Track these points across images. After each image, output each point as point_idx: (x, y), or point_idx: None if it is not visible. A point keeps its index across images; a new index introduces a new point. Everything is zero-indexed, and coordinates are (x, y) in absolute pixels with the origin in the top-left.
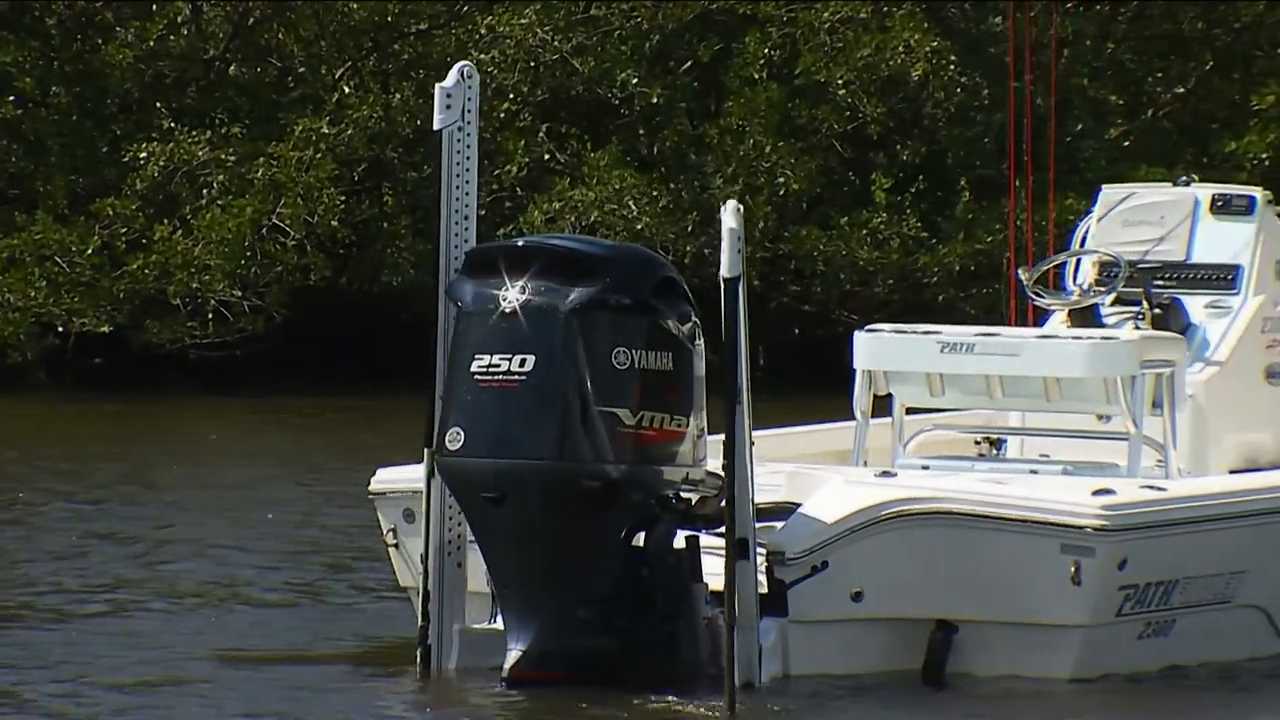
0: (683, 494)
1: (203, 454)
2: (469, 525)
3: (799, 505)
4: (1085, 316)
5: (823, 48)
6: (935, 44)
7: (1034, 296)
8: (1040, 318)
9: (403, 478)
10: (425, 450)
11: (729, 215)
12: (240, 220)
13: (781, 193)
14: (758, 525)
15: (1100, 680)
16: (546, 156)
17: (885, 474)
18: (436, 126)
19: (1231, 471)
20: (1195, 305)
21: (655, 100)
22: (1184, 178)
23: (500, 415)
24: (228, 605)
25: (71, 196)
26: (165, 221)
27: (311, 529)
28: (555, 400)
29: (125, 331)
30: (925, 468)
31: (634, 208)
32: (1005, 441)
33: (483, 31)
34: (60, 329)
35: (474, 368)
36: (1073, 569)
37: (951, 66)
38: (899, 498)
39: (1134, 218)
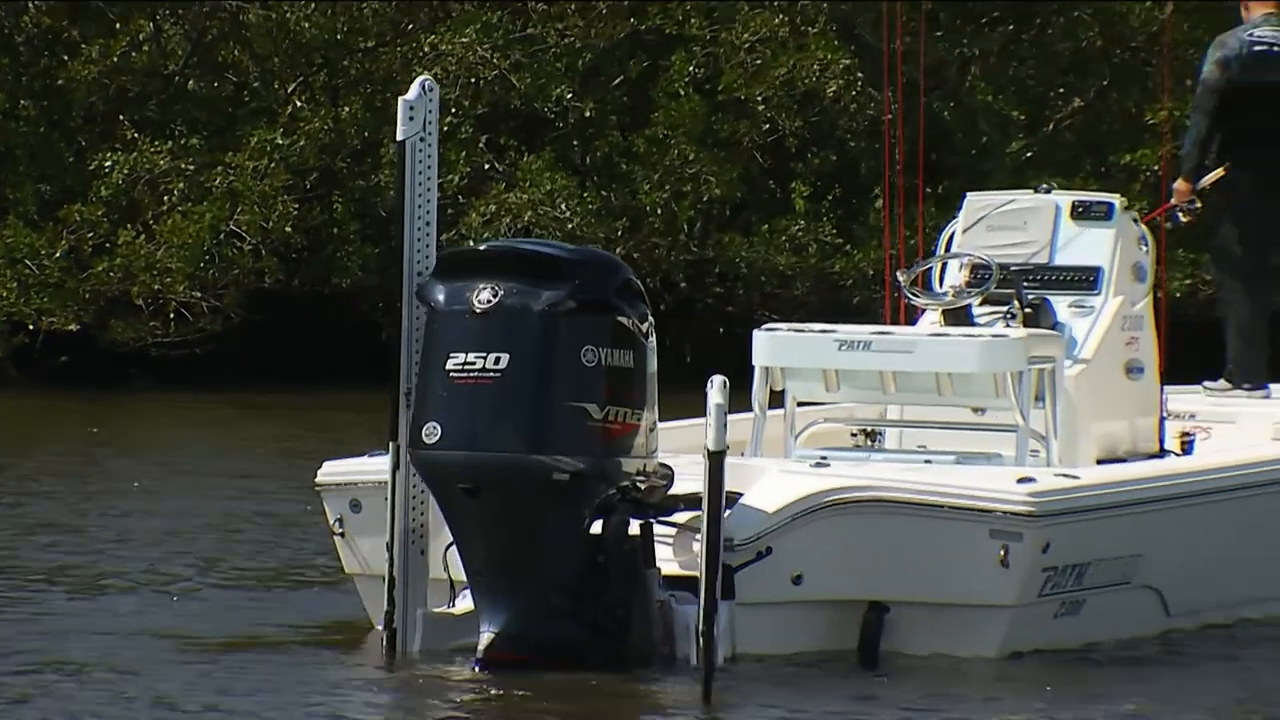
0: (637, 484)
1: (160, 445)
2: (444, 516)
3: (739, 494)
4: (958, 316)
5: (743, 65)
6: (848, 62)
7: (911, 297)
8: (913, 317)
9: (348, 470)
10: (390, 444)
11: (715, 391)
12: (199, 226)
13: (705, 199)
14: (699, 513)
15: (1017, 656)
16: (486, 166)
17: (819, 464)
18: (400, 137)
19: (1099, 461)
20: (1060, 305)
21: (588, 113)
22: (1044, 186)
23: (476, 410)
24: (176, 592)
25: (40, 203)
26: (129, 227)
27: (259, 518)
28: (529, 396)
29: (91, 330)
30: (824, 458)
31: (565, 210)
32: (883, 434)
33: (426, 49)
34: (30, 327)
35: (449, 365)
36: (1002, 552)
37: (862, 83)
38: (837, 486)
39: (998, 223)
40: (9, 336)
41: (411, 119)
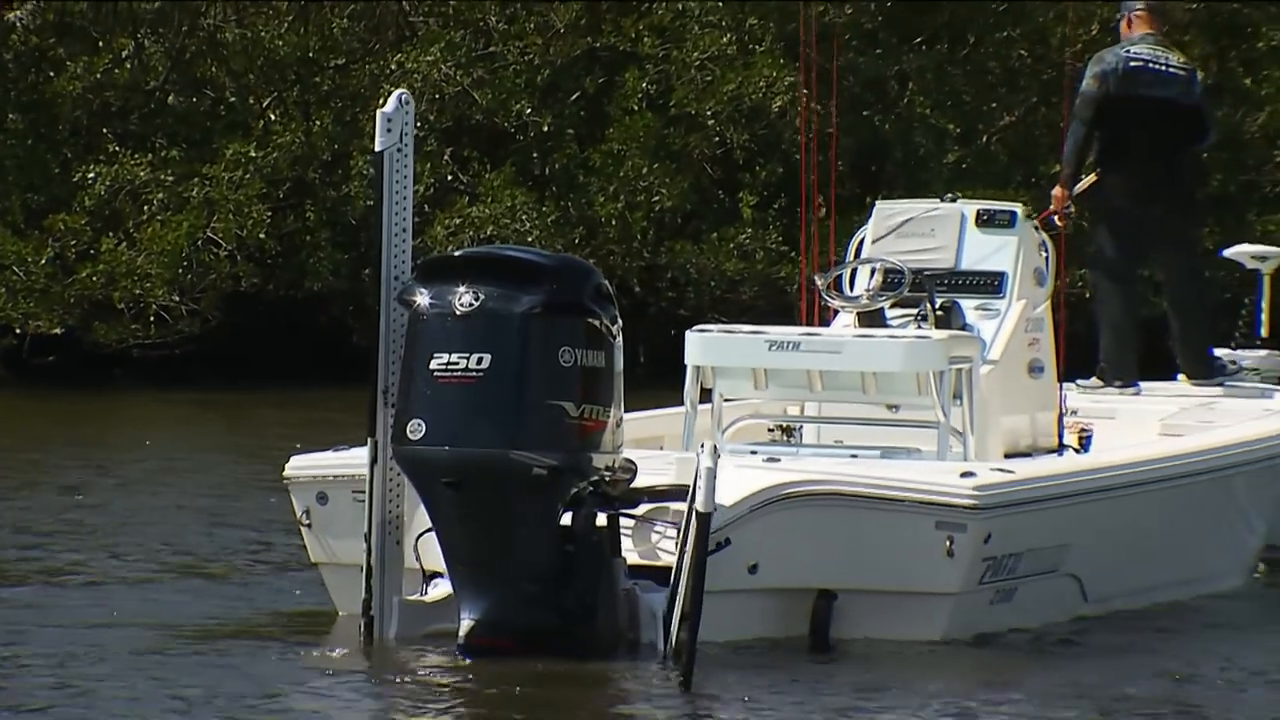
0: (605, 478)
1: (138, 440)
2: (426, 509)
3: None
4: (872, 318)
5: (693, 82)
6: (792, 79)
7: (828, 299)
8: (827, 319)
9: (315, 464)
10: (369, 440)
11: (705, 456)
12: (178, 234)
13: (658, 209)
14: (660, 505)
15: (957, 642)
16: (450, 178)
17: (771, 460)
18: (378, 148)
19: (1005, 455)
20: (967, 308)
21: (546, 128)
22: (950, 195)
23: (459, 408)
24: (146, 582)
25: (27, 212)
26: (111, 235)
27: (230, 510)
28: (510, 395)
29: (76, 333)
30: (754, 452)
31: (525, 222)
32: (801, 430)
33: (393, 67)
34: (18, 330)
35: (433, 365)
36: (948, 543)
37: (805, 98)
38: (791, 480)
39: (907, 230)
40: None
41: (389, 130)
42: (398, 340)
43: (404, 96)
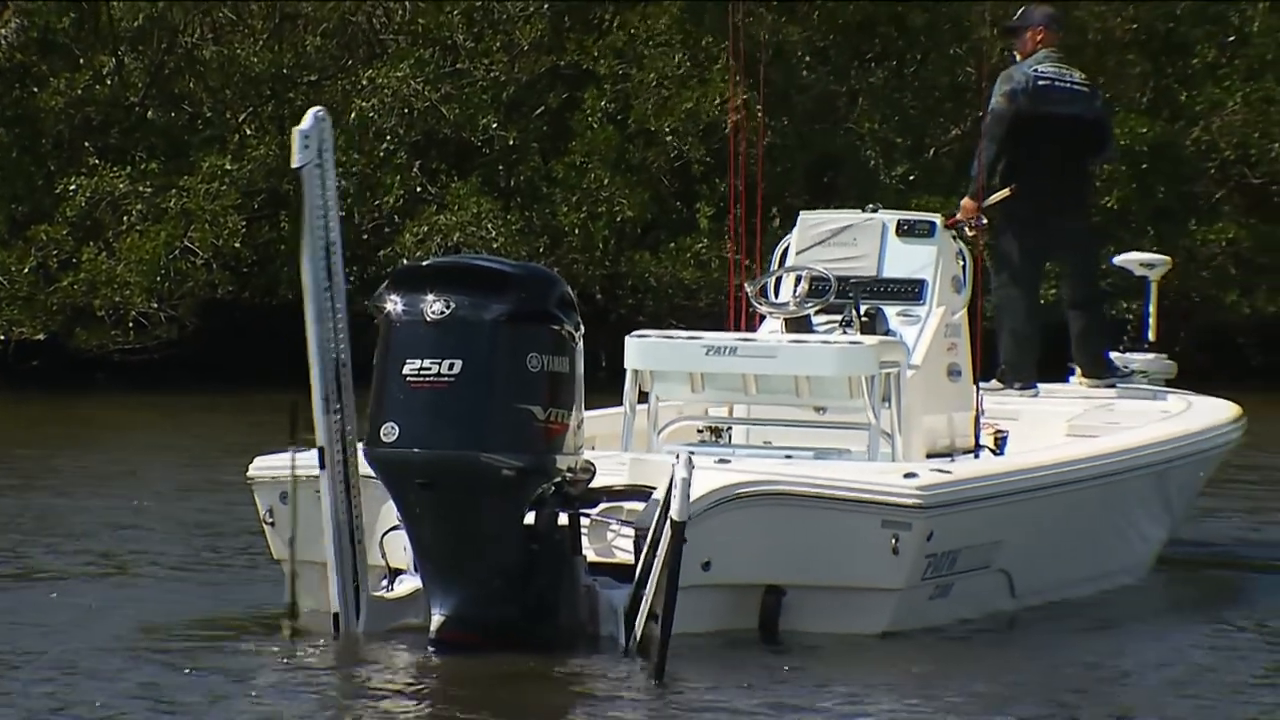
0: (567, 478)
1: (119, 443)
2: (398, 508)
3: (652, 488)
4: (799, 324)
5: (651, 100)
6: (747, 96)
7: (757, 305)
8: (754, 325)
9: (278, 465)
10: (317, 450)
11: (680, 466)
12: (156, 243)
13: (619, 219)
14: (617, 504)
15: (898, 635)
16: (419, 189)
17: (721, 460)
18: (295, 165)
19: (927, 455)
20: (890, 314)
21: (512, 141)
22: (871, 205)
23: (431, 412)
24: (117, 579)
25: (10, 223)
26: (92, 244)
27: (198, 508)
28: (480, 399)
29: (59, 339)
30: (692, 453)
31: (491, 230)
32: (730, 431)
33: (364, 82)
34: (2, 337)
35: (406, 371)
36: (893, 541)
37: (760, 113)
38: (743, 480)
39: (831, 239)
40: None
41: (307, 147)
42: (335, 348)
43: (319, 113)
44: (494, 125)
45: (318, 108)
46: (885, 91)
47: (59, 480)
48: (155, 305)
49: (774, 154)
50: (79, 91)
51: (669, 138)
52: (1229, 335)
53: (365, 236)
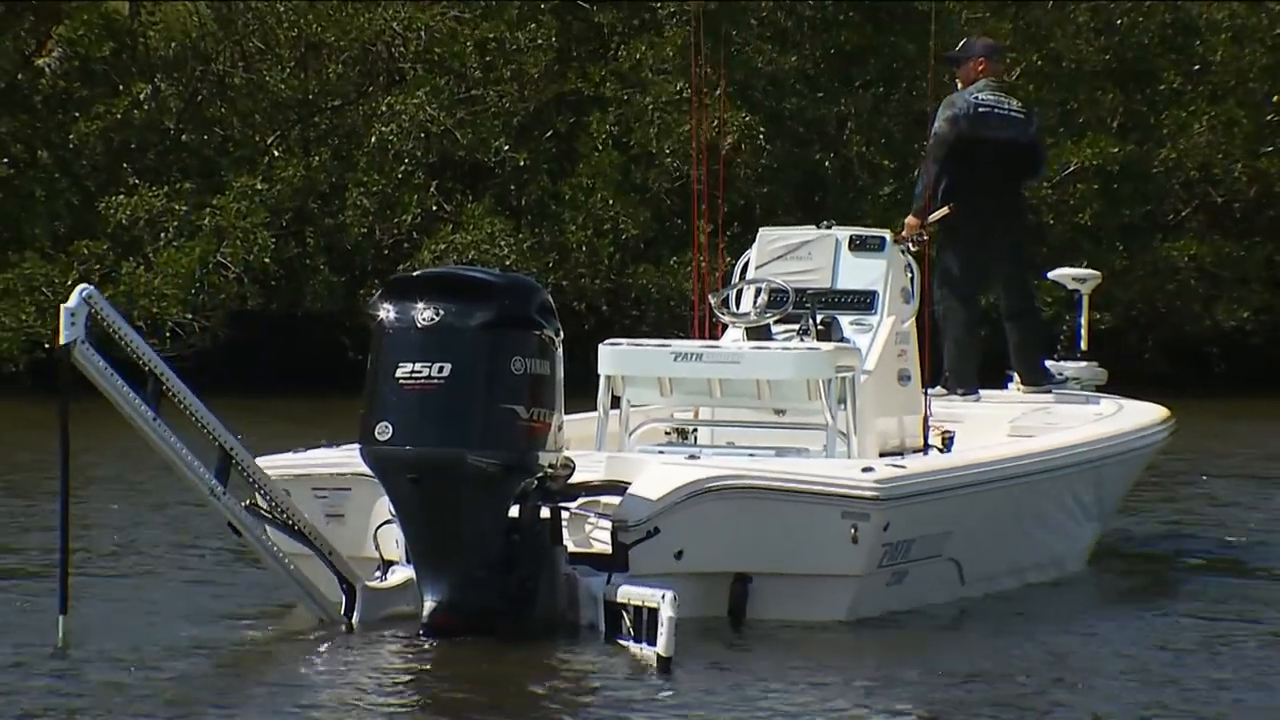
0: (548, 473)
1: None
2: (391, 502)
3: (628, 483)
4: (759, 332)
5: (652, 124)
6: (745, 119)
7: (720, 315)
8: (717, 333)
9: (279, 463)
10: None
11: (666, 605)
12: (191, 258)
13: (623, 237)
14: (595, 499)
15: (858, 621)
16: (435, 207)
17: (691, 457)
18: (64, 341)
19: (880, 454)
20: (844, 323)
21: (522, 163)
22: (826, 222)
23: (422, 412)
24: (134, 575)
25: (54, 239)
26: (130, 259)
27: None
28: (468, 400)
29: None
30: (661, 453)
31: (504, 247)
32: (695, 432)
33: (384, 108)
34: (46, 345)
35: (398, 374)
36: (852, 530)
37: (759, 137)
38: (712, 475)
39: (788, 254)
40: (28, 353)
41: (73, 324)
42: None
43: (86, 292)
44: (505, 148)
45: (85, 285)
46: (872, 116)
47: (96, 476)
48: (190, 316)
49: (766, 175)
50: (118, 116)
51: (669, 159)
52: (1194, 345)
53: (386, 252)
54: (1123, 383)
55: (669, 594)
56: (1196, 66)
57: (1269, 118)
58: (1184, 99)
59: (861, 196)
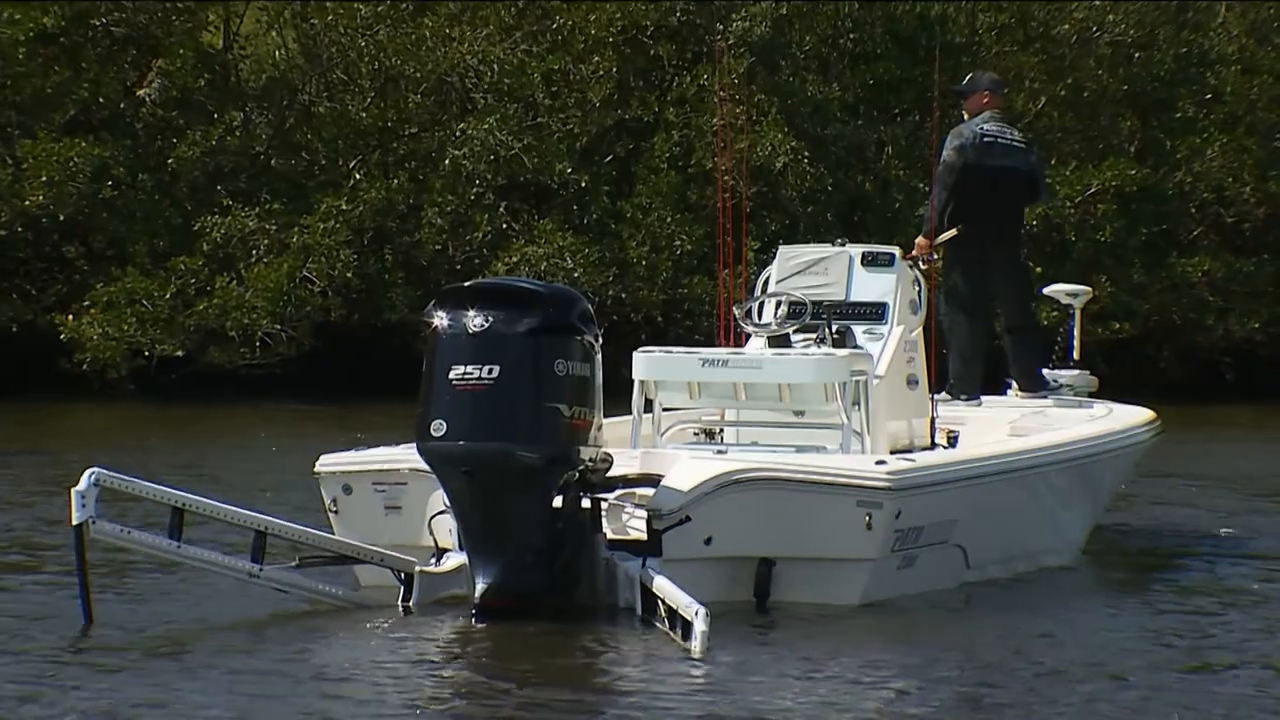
0: (588, 467)
1: (246, 446)
2: (445, 494)
3: (661, 476)
4: (780, 341)
5: (709, 146)
6: (794, 144)
7: (744, 326)
8: (741, 342)
9: (341, 460)
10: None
11: (700, 620)
12: (279, 274)
13: (679, 253)
14: (631, 490)
15: (874, 603)
16: (504, 226)
17: (719, 452)
18: (75, 523)
19: (891, 452)
20: (857, 332)
21: (584, 184)
22: (839, 240)
23: (474, 411)
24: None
25: (154, 256)
26: (224, 275)
27: (289, 499)
28: (515, 399)
29: (194, 355)
30: (692, 448)
31: (570, 261)
32: (721, 432)
33: (457, 134)
34: (146, 354)
35: (451, 375)
36: (867, 518)
37: (805, 160)
38: (738, 469)
39: (806, 269)
40: (130, 360)
41: (84, 505)
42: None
43: (94, 476)
44: (569, 170)
45: (94, 470)
46: (910, 144)
47: (191, 476)
48: (278, 327)
49: (813, 196)
50: (212, 143)
51: (726, 178)
52: (1207, 354)
53: (458, 267)
54: (1140, 389)
55: (702, 609)
56: (1209, 96)
57: (1277, 144)
58: (1198, 126)
59: (899, 216)
